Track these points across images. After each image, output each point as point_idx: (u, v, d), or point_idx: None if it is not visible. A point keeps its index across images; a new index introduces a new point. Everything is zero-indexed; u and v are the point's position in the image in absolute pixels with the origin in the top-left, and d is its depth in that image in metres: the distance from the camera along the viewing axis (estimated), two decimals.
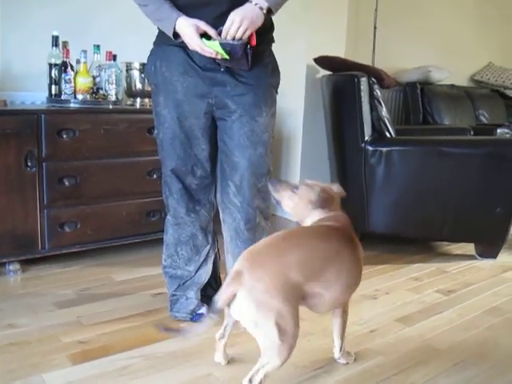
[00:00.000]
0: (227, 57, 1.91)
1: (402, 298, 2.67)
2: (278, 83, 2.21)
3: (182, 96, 2.08)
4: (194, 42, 1.92)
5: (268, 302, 1.57)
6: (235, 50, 1.91)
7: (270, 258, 1.65)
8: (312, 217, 1.91)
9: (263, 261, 1.64)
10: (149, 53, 2.17)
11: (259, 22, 1.92)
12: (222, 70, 2.02)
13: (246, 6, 1.90)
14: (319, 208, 1.89)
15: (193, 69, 2.04)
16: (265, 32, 2.06)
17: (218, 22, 1.92)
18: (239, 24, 1.87)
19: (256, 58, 2.01)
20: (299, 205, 1.92)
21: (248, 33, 1.89)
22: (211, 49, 1.89)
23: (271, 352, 1.60)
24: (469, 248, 3.41)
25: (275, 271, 1.61)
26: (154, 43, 2.15)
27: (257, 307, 1.57)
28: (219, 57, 1.92)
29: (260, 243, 1.77)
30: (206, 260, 2.31)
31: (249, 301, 1.58)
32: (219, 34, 1.91)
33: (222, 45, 1.89)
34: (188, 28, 1.91)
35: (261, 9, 1.91)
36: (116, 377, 1.87)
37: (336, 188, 2.01)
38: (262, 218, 2.24)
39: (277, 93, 2.20)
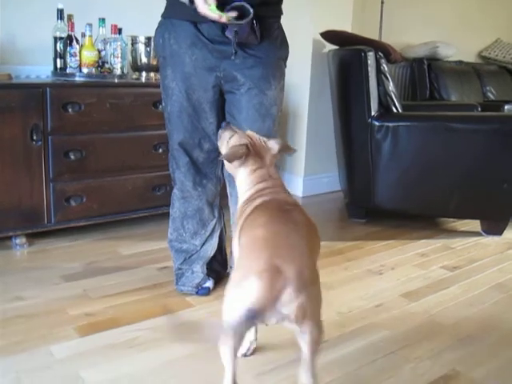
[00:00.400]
0: (234, 16, 1.83)
1: (408, 273, 2.68)
2: (287, 56, 2.19)
3: (190, 69, 2.06)
4: (200, 5, 1.87)
5: (317, 289, 1.40)
6: (242, 29, 1.90)
7: (293, 245, 1.42)
8: (243, 176, 1.70)
9: (290, 250, 1.39)
10: (156, 25, 2.15)
11: None
12: (235, 50, 1.99)
13: None
14: (230, 162, 1.69)
15: (201, 42, 2.02)
16: (274, 3, 2.04)
17: None
18: None
19: (264, 30, 2.00)
20: None
21: None
22: (216, 13, 1.84)
23: (319, 340, 1.43)
24: (474, 224, 3.41)
25: (309, 255, 1.42)
26: (162, 15, 2.12)
27: (309, 299, 1.34)
28: (224, 19, 1.82)
29: (263, 234, 1.45)
30: (211, 234, 2.32)
31: (302, 295, 1.32)
32: (230, 9, 1.86)
33: (229, 26, 1.88)
34: None
35: None
36: (124, 348, 1.88)
37: (272, 144, 1.74)
38: None
39: (285, 66, 2.19)
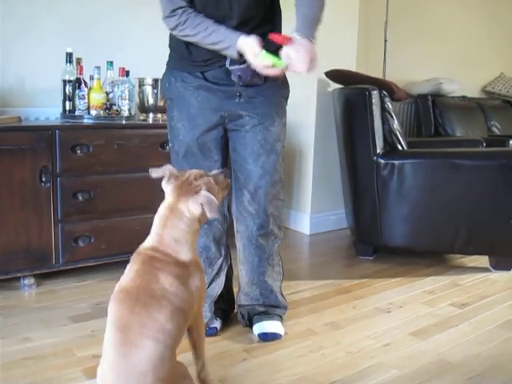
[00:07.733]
0: (283, 64, 1.92)
1: (416, 311, 2.66)
2: (288, 94, 2.29)
3: (196, 110, 2.13)
4: (256, 60, 1.93)
5: None
6: (245, 72, 2.03)
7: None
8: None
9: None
10: (162, 67, 2.21)
11: None
12: (239, 93, 2.10)
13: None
14: None
15: (206, 84, 2.11)
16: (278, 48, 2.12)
17: None
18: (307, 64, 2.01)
19: None
20: None
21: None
22: (268, 61, 1.91)
23: None
24: (483, 260, 3.39)
25: None
26: (168, 65, 2.19)
27: None
28: (272, 72, 1.94)
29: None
30: (218, 273, 2.32)
31: None
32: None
33: (232, 70, 2.02)
34: (250, 46, 1.93)
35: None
36: None
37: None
38: (275, 226, 2.27)
39: (286, 104, 2.27)
